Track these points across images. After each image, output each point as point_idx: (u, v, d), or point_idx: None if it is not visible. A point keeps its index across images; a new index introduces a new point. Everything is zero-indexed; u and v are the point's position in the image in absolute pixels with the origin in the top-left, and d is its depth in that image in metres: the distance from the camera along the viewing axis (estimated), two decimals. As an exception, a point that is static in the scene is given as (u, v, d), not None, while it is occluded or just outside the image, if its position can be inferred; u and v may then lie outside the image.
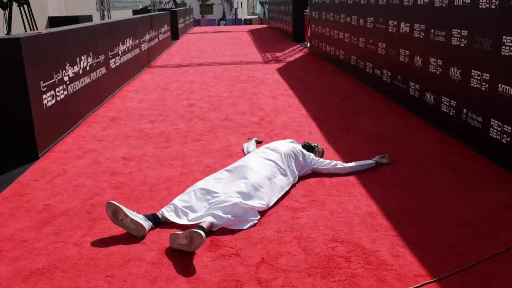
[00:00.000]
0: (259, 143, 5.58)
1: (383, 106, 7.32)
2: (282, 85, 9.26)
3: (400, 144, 5.46)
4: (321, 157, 4.90)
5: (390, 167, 4.74)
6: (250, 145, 5.24)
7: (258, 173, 4.02)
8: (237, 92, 8.66)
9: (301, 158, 4.49)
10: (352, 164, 4.63)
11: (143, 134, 6.15)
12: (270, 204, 3.87)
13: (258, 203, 3.76)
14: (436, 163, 4.83)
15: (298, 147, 4.60)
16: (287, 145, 4.52)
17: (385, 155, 4.84)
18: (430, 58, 6.11)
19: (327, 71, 10.76)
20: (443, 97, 5.77)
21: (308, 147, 4.77)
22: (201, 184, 3.97)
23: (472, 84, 5.11)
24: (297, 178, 4.38)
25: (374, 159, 4.75)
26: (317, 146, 4.87)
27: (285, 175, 4.23)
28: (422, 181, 4.38)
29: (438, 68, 5.91)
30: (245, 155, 5.15)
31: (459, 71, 5.39)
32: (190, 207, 3.74)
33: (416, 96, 6.60)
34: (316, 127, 6.29)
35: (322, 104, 7.59)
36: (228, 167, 4.22)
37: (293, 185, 4.31)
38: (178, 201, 3.80)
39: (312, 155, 4.62)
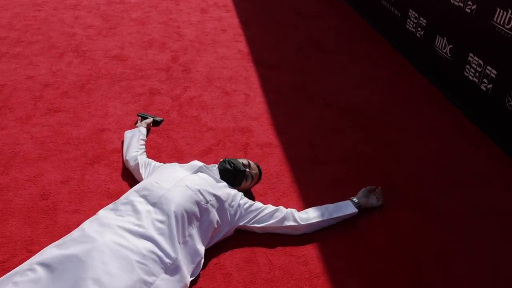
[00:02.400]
0: (156, 124, 3.23)
1: (362, 38, 4.92)
2: (220, -14, 6.52)
3: (402, 145, 3.25)
4: (256, 182, 2.66)
5: (387, 220, 2.58)
6: (134, 139, 2.90)
7: (109, 285, 1.79)
8: (152, -3, 5.93)
9: (214, 213, 2.25)
10: (313, 216, 2.44)
11: (-33, 89, 3.62)
12: None
13: None
14: (488, 217, 2.70)
15: (208, 185, 2.32)
16: (185, 190, 2.22)
17: (376, 189, 2.65)
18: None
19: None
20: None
21: (231, 174, 2.50)
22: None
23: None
24: (202, 260, 2.17)
25: (355, 199, 2.55)
26: (248, 165, 2.59)
27: (174, 271, 2.01)
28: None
29: None
30: (122, 156, 2.85)
31: None
32: None
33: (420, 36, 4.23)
34: (258, 84, 3.91)
35: (272, 28, 5.10)
36: (49, 258, 1.93)
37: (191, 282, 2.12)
38: None
39: (238, 195, 2.39)
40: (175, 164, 2.53)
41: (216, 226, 2.26)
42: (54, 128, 3.20)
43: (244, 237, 2.39)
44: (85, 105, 3.48)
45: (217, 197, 2.29)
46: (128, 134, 2.99)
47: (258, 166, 2.67)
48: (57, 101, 3.51)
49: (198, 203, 2.20)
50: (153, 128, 3.24)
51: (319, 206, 2.50)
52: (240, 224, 2.37)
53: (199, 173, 2.39)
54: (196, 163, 2.46)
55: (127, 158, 2.78)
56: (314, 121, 3.41)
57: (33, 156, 2.91)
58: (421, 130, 3.37)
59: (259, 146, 3.12)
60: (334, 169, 2.93)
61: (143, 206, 2.13)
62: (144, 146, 2.91)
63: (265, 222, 2.37)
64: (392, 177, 2.88)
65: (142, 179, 2.60)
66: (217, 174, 2.47)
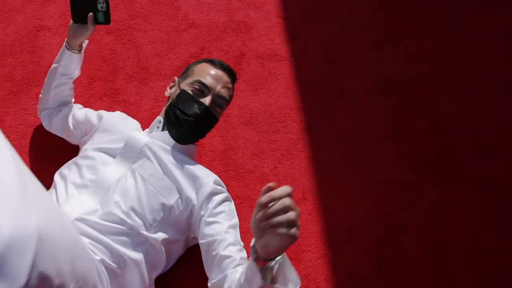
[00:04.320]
0: (100, 20, 2.14)
1: None
2: None
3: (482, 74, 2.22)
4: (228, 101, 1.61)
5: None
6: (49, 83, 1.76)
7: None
8: None
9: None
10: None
11: None
12: None
13: None
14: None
15: (153, 197, 1.40)
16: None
17: (274, 202, 0.98)
18: None
19: None
20: None
21: (192, 130, 1.51)
22: None
23: None
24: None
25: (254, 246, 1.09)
26: (216, 84, 1.53)
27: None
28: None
29: None
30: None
31: None
32: None
33: None
34: None
35: None
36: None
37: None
38: None
39: (203, 194, 1.43)
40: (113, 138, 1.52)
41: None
42: (-28, 25, 2.26)
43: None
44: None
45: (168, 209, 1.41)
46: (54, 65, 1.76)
47: (230, 71, 1.59)
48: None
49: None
50: (108, 26, 2.26)
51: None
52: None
53: (140, 166, 1.43)
54: (136, 140, 1.47)
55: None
56: (343, 18, 2.33)
57: None
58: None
59: (260, 59, 2.16)
60: (365, 108, 2.00)
61: None
62: (68, 97, 1.79)
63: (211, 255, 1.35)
64: (445, 146, 1.94)
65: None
66: (167, 142, 1.50)
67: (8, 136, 1.90)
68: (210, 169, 1.54)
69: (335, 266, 1.63)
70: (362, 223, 1.73)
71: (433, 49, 2.20)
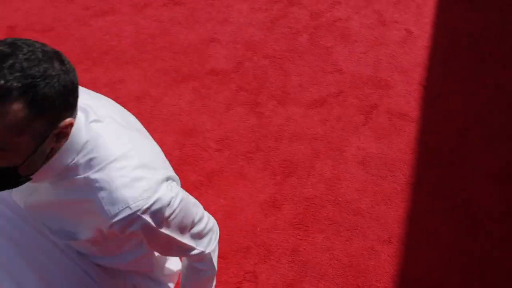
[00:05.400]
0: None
1: None
2: None
3: None
4: None
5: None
6: None
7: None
8: None
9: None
10: None
11: None
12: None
13: None
14: None
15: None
16: None
17: None
18: None
19: None
20: None
21: None
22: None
23: None
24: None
25: None
26: None
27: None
28: None
29: None
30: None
31: None
32: None
33: None
34: (432, 19, 2.88)
35: None
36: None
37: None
38: None
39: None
40: None
41: None
42: (164, 25, 2.75)
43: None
44: (208, 3, 2.92)
45: None
46: None
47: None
48: None
49: None
50: (267, 53, 2.59)
51: None
52: None
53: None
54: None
55: None
56: (484, 94, 2.39)
57: (126, 57, 2.55)
58: None
59: (389, 114, 2.29)
60: (479, 193, 2.01)
61: None
62: None
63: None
64: None
65: None
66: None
67: (161, 111, 2.26)
68: (311, 190, 1.65)
69: (400, 313, 1.65)
70: (439, 277, 1.72)
71: None
